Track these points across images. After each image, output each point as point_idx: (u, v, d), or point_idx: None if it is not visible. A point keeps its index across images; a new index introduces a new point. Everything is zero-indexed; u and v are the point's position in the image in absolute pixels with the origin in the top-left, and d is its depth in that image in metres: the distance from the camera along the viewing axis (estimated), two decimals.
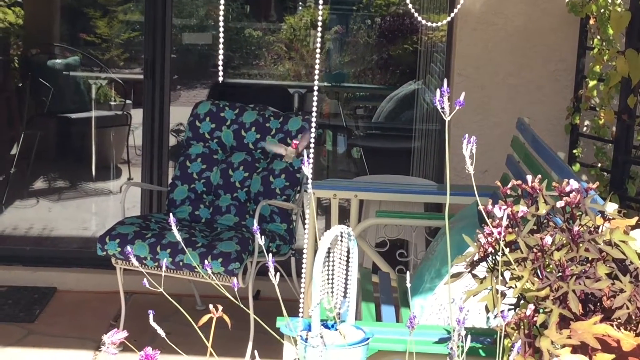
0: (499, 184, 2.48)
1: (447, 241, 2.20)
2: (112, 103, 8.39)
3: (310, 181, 2.21)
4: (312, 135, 2.29)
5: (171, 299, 2.44)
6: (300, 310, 2.43)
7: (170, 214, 2.30)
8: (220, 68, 2.21)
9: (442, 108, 2.03)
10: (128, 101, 8.26)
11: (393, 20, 8.48)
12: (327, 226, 5.33)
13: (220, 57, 2.16)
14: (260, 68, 8.97)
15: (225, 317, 2.11)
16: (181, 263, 4.59)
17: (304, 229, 5.46)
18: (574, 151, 5.18)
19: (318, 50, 2.26)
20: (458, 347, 2.07)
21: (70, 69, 8.21)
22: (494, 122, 5.34)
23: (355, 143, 7.77)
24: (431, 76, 6.56)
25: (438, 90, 2.04)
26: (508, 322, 2.08)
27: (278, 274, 2.13)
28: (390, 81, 8.37)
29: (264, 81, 8.79)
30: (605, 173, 5.03)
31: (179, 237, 2.20)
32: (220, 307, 2.12)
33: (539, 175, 2.43)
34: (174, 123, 6.16)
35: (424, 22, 2.41)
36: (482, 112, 5.36)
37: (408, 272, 2.39)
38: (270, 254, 2.15)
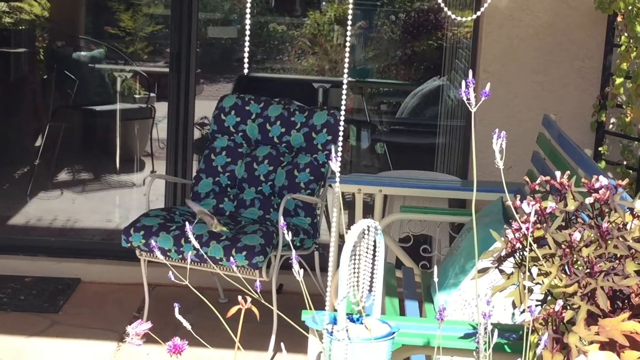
0: (527, 179, 2.48)
1: (474, 236, 2.19)
2: (137, 96, 8.42)
3: (337, 175, 2.21)
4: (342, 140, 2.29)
5: (197, 292, 2.45)
6: (327, 304, 2.44)
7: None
8: (246, 60, 2.21)
9: (468, 99, 2.03)
10: (152, 94, 8.29)
11: (417, 16, 8.46)
12: (350, 221, 5.33)
13: (246, 49, 2.16)
14: (284, 62, 8.99)
15: (254, 309, 2.11)
16: (205, 256, 4.60)
17: (328, 223, 5.48)
18: (600, 149, 5.17)
19: (348, 45, 2.26)
20: (484, 341, 2.07)
21: (95, 62, 8.24)
22: (519, 119, 5.33)
23: (378, 138, 7.77)
24: (456, 72, 6.55)
25: (463, 82, 2.04)
26: (536, 317, 2.08)
27: (302, 269, 2.14)
28: (414, 77, 8.36)
29: (289, 75, 8.80)
30: (631, 171, 5.02)
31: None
32: (248, 299, 2.13)
33: (568, 172, 2.43)
34: (197, 117, 6.18)
35: (453, 16, 2.41)
36: (506, 109, 5.35)
37: (435, 267, 2.39)
38: (294, 250, 2.15)
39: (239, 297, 2.16)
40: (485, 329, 2.05)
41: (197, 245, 2.25)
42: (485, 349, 2.07)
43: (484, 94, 2.04)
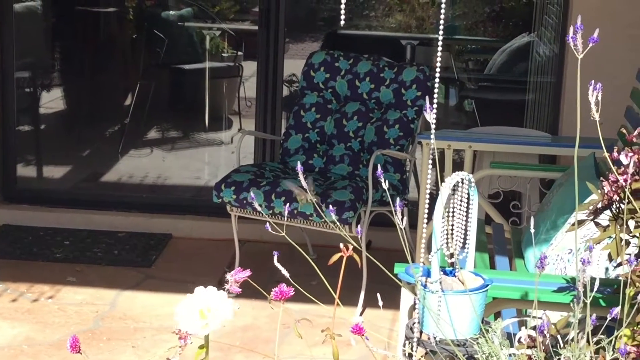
0: (624, 131, 2.45)
1: (576, 186, 2.18)
2: (224, 54, 8.47)
3: (433, 125, 2.21)
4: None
5: (296, 245, 2.47)
6: (422, 258, 2.44)
7: (298, 162, 2.33)
8: (342, 12, 2.22)
9: (575, 45, 2.03)
10: (239, 53, 8.33)
11: None
12: (439, 178, 5.32)
13: (343, 2, 2.17)
14: (370, 20, 8.94)
15: (356, 257, 2.12)
16: (295, 211, 4.64)
17: (416, 180, 5.48)
18: None
19: (444, 5, 2.26)
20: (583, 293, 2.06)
21: (184, 21, 8.30)
22: (612, 74, 5.23)
23: (466, 95, 7.72)
24: (545, 29, 6.46)
25: (571, 28, 2.03)
26: (634, 269, 2.06)
27: (405, 219, 2.15)
28: (502, 34, 8.26)
29: (376, 32, 8.76)
30: None
31: (304, 183, 2.23)
32: (350, 247, 2.14)
33: None
34: (285, 74, 6.21)
35: None
36: (599, 64, 5.26)
37: (532, 218, 2.38)
38: (397, 198, 2.16)
39: (341, 245, 2.18)
40: (584, 278, 2.04)
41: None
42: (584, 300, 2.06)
43: (591, 40, 2.03)
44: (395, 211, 2.10)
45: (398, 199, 2.13)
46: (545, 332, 2.06)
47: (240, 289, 2.09)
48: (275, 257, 2.13)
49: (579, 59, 2.03)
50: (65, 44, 8.21)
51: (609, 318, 2.04)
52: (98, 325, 4.56)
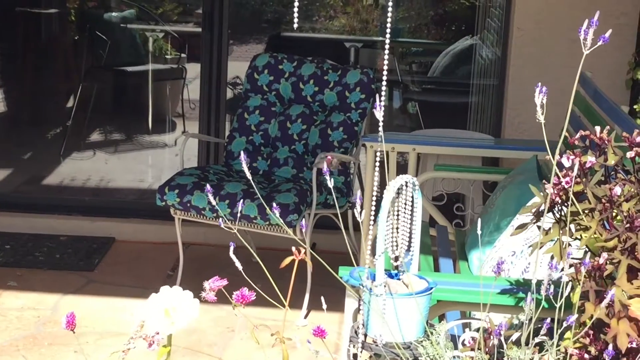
0: (566, 134, 2.47)
1: (534, 190, 2.19)
2: (168, 56, 8.43)
3: (381, 122, 2.20)
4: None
5: (249, 247, 2.45)
6: (366, 261, 2.44)
7: (242, 152, 2.33)
8: (296, 15, 2.22)
9: (585, 39, 2.04)
10: (183, 55, 8.29)
11: None
12: (383, 181, 5.33)
13: (296, 4, 2.17)
14: (314, 22, 8.95)
15: (308, 260, 2.12)
16: (239, 214, 4.63)
17: (360, 182, 5.49)
18: (635, 106, 5.13)
19: (390, 5, 2.26)
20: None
21: (127, 22, 8.24)
22: (553, 76, 5.29)
23: (410, 98, 7.75)
24: (488, 31, 6.51)
25: (586, 21, 2.04)
26: (579, 270, 2.08)
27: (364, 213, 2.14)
28: (445, 36, 8.31)
29: (320, 35, 8.76)
30: None
31: (248, 175, 2.23)
32: (302, 250, 2.13)
33: (607, 127, 2.41)
34: (229, 76, 6.20)
35: None
36: (540, 67, 5.31)
37: (479, 220, 2.39)
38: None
39: (293, 248, 2.17)
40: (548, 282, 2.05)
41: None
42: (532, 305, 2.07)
43: (602, 39, 2.04)
44: (357, 208, 2.10)
45: (359, 193, 2.13)
46: (501, 334, 2.06)
47: (215, 298, 2.07)
48: (232, 248, 2.13)
49: (584, 54, 2.04)
50: (5, 45, 8.12)
51: (564, 325, 2.05)
52: (39, 330, 4.50)
